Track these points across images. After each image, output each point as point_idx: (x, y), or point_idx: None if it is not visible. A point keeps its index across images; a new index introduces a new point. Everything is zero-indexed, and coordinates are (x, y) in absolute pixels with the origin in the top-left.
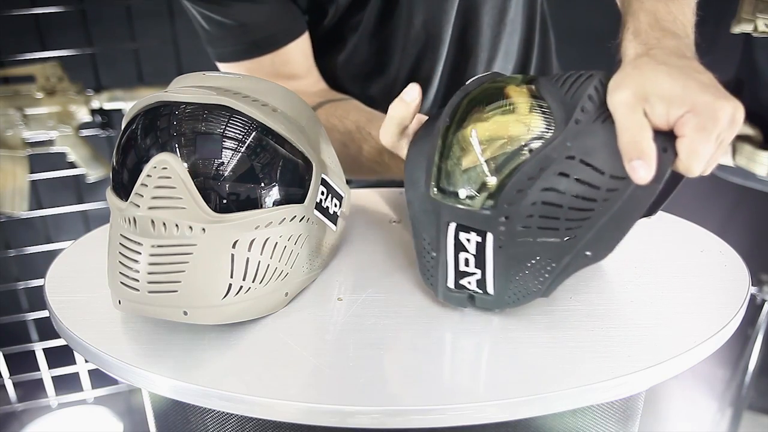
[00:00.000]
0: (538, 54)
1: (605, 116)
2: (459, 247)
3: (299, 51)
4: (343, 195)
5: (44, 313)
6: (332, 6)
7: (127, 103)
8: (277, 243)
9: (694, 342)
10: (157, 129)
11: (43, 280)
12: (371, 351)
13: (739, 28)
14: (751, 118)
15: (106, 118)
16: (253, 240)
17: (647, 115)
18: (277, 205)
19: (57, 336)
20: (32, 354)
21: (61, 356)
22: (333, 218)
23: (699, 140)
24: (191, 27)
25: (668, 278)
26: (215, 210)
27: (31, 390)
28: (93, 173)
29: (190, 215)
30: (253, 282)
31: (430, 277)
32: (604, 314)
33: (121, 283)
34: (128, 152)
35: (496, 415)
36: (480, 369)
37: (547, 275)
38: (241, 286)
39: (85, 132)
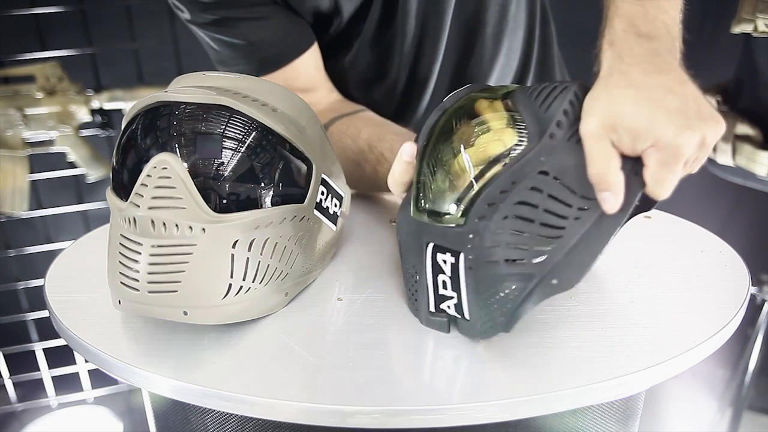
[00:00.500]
0: (539, 46)
1: (578, 136)
2: (437, 268)
3: (310, 64)
4: (343, 195)
5: (44, 313)
6: (337, 17)
7: (127, 103)
8: (277, 243)
9: (694, 342)
10: (157, 129)
11: (43, 280)
12: (371, 351)
13: (739, 28)
14: (751, 118)
15: (106, 118)
16: (253, 240)
17: (615, 144)
18: (277, 205)
19: (57, 336)
20: (32, 354)
21: (61, 356)
22: (333, 218)
23: (662, 173)
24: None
25: (668, 278)
26: (215, 210)
27: (31, 390)
28: (93, 173)
29: (190, 215)
30: (253, 282)
31: (414, 302)
32: (604, 314)
33: (121, 283)
34: (128, 152)
35: (496, 415)
36: (480, 369)
37: (510, 304)
38: (241, 286)
39: (85, 132)
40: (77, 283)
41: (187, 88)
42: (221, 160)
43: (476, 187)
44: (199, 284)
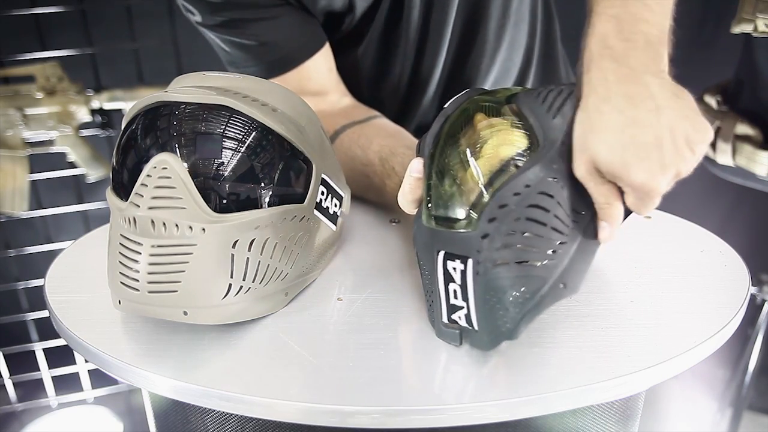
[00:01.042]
0: (542, 41)
1: None
2: (448, 277)
3: (322, 66)
4: (343, 195)
5: (44, 313)
6: (349, 15)
7: (127, 103)
8: (277, 243)
9: (694, 342)
10: (157, 129)
11: (43, 280)
12: (371, 351)
13: (739, 28)
14: (751, 118)
15: (106, 118)
16: (253, 240)
17: (596, 182)
18: (277, 205)
19: (57, 336)
20: (32, 354)
21: (61, 356)
22: (333, 218)
23: (640, 206)
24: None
25: (668, 278)
26: (215, 210)
27: (31, 390)
28: (93, 173)
29: (190, 215)
30: (253, 282)
31: (431, 314)
32: (604, 314)
33: (121, 283)
34: (128, 152)
35: (496, 415)
36: (480, 369)
37: (518, 309)
38: (241, 286)
39: (85, 132)
40: (77, 283)
41: (187, 88)
42: (221, 160)
43: (488, 191)
44: (199, 284)
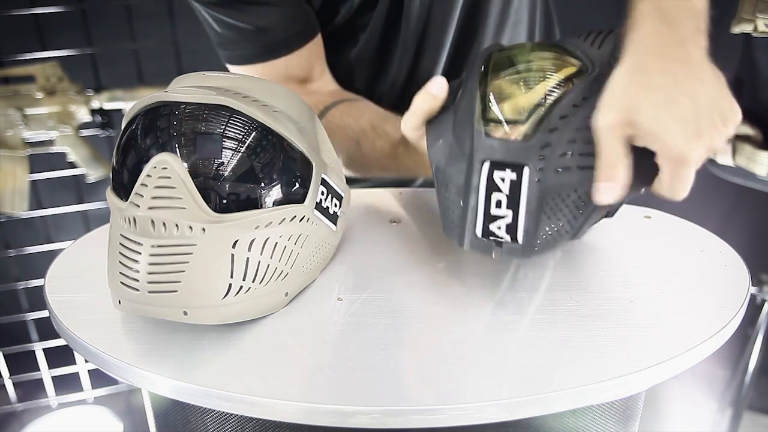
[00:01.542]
0: None
1: None
2: (492, 187)
3: (313, 53)
4: (343, 195)
5: (44, 313)
6: (345, 5)
7: (127, 103)
8: (277, 243)
9: (694, 342)
10: (157, 129)
11: (43, 280)
12: (371, 351)
13: (739, 28)
14: (751, 118)
15: (106, 118)
16: (253, 240)
17: (628, 138)
18: (277, 205)
19: (57, 336)
20: (32, 354)
21: (61, 356)
22: (333, 218)
23: (675, 182)
24: (191, 27)
25: (668, 278)
26: (215, 210)
27: (31, 390)
28: (93, 173)
29: (190, 215)
30: (253, 282)
31: (454, 229)
32: (604, 314)
33: (121, 283)
34: (128, 152)
35: (496, 415)
36: (480, 369)
37: (580, 212)
38: (241, 286)
39: (85, 132)
40: (77, 283)
41: (187, 88)
42: (221, 160)
43: (547, 102)
44: (199, 284)
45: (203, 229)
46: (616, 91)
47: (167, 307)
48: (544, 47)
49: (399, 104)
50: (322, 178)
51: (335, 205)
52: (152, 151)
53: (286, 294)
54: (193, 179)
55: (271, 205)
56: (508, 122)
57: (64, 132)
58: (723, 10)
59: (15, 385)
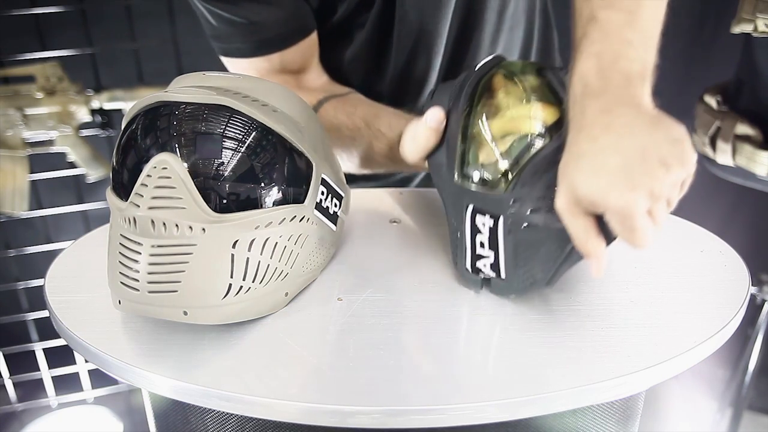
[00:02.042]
0: (538, 49)
1: None
2: (475, 229)
3: (307, 48)
4: (343, 195)
5: (44, 313)
6: (343, 4)
7: (127, 103)
8: (277, 243)
9: (694, 342)
10: (157, 129)
11: (43, 280)
12: (371, 351)
13: (739, 28)
14: (751, 118)
15: (106, 118)
16: (253, 240)
17: (585, 211)
18: (277, 205)
19: (57, 336)
20: (32, 354)
21: (61, 356)
22: (333, 218)
23: (625, 232)
24: (191, 27)
25: (668, 278)
26: (215, 210)
27: (31, 390)
28: (93, 173)
29: (190, 215)
30: (253, 282)
31: (455, 257)
32: (604, 314)
33: (121, 283)
34: (128, 152)
35: (496, 415)
36: (480, 369)
37: (551, 263)
38: (241, 286)
39: (85, 132)
40: (77, 283)
41: (187, 88)
42: (221, 160)
43: (523, 157)
44: (199, 284)
45: (203, 229)
46: (559, 173)
47: (167, 307)
48: (532, 84)
49: (395, 103)
50: (322, 178)
51: (335, 205)
52: (152, 151)
53: (286, 294)
54: (193, 179)
55: (271, 205)
56: (483, 180)
57: (64, 132)
58: (723, 10)
59: (15, 385)
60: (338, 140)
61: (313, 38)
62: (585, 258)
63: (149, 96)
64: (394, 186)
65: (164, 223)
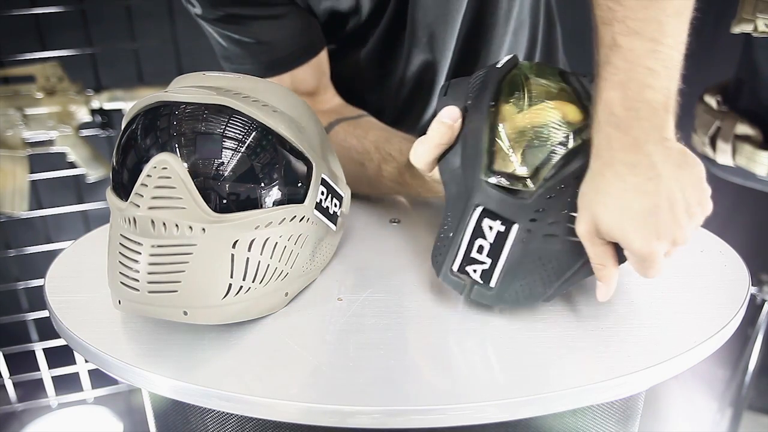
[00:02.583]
0: (542, 50)
1: None
2: (478, 232)
3: (317, 68)
4: (343, 195)
5: (44, 313)
6: (355, 17)
7: (127, 103)
8: (277, 243)
9: (694, 342)
10: (157, 129)
11: (43, 280)
12: (371, 351)
13: (739, 28)
14: (751, 118)
15: (106, 118)
16: (253, 240)
17: (600, 240)
18: (277, 205)
19: (57, 336)
20: (32, 354)
21: (61, 356)
22: (333, 218)
23: (642, 270)
24: (191, 27)
25: (668, 278)
26: (215, 210)
27: (31, 390)
28: (93, 173)
29: (190, 215)
30: (253, 282)
31: (437, 256)
32: (604, 314)
33: (121, 283)
34: (128, 152)
35: (496, 415)
36: (480, 369)
37: (555, 278)
38: (241, 286)
39: (85, 132)
40: (77, 283)
41: (187, 88)
42: (221, 160)
43: (552, 167)
44: (199, 284)
45: (203, 229)
46: (582, 199)
47: (167, 307)
48: (558, 87)
49: (402, 116)
50: (322, 178)
51: (335, 205)
52: (152, 151)
53: (286, 294)
54: (193, 179)
55: (271, 205)
56: (511, 177)
57: (64, 132)
58: (723, 10)
59: (15, 385)
60: (347, 164)
61: (323, 57)
62: (598, 279)
63: (149, 96)
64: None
65: (164, 223)
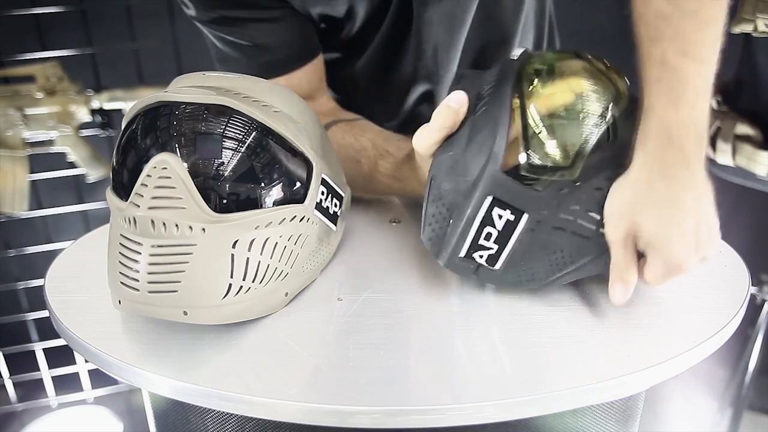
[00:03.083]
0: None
1: None
2: (488, 220)
3: (312, 72)
4: (343, 195)
5: (44, 313)
6: (348, 23)
7: (127, 103)
8: (277, 243)
9: (694, 342)
10: (157, 129)
11: (43, 280)
12: (371, 351)
13: (739, 28)
14: (751, 118)
15: (106, 118)
16: (253, 240)
17: (634, 243)
18: (277, 205)
19: (57, 336)
20: (32, 354)
21: (61, 356)
22: (333, 218)
23: (662, 279)
24: (191, 27)
25: None
26: (215, 210)
27: (31, 390)
28: (93, 173)
29: (190, 215)
30: (253, 282)
31: (435, 242)
32: (604, 314)
33: (121, 283)
34: (128, 152)
35: (496, 415)
36: (480, 369)
37: (558, 269)
38: (241, 286)
39: (85, 132)
40: (77, 283)
41: (187, 88)
42: (221, 160)
43: (566, 160)
44: (199, 284)
45: (203, 229)
46: (624, 205)
47: (167, 307)
48: (578, 62)
49: (404, 126)
50: (322, 178)
51: (335, 205)
52: (152, 151)
53: (286, 294)
54: (193, 179)
55: (271, 205)
56: (525, 172)
57: (64, 132)
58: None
59: (15, 385)
60: (343, 161)
61: (319, 62)
62: (615, 282)
63: (149, 96)
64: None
65: (164, 223)
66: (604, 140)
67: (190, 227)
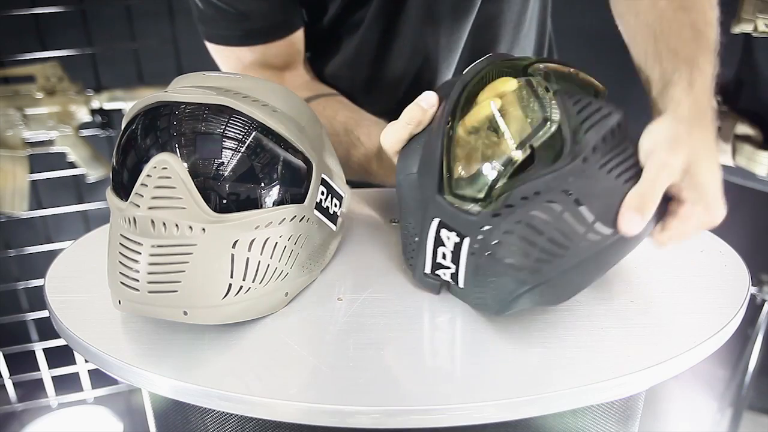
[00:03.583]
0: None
1: (617, 171)
2: (439, 241)
3: (291, 46)
4: (343, 195)
5: (44, 313)
6: (333, 3)
7: (127, 103)
8: (277, 243)
9: (694, 342)
10: (157, 129)
11: (43, 280)
12: (371, 351)
13: (739, 28)
14: (751, 118)
15: (106, 118)
16: (253, 240)
17: (674, 181)
18: (277, 205)
19: (57, 336)
20: (32, 354)
21: (61, 356)
22: (333, 218)
23: (693, 232)
24: (191, 27)
25: (668, 278)
26: (215, 210)
27: (31, 390)
28: (93, 173)
29: (190, 215)
30: (253, 282)
31: (410, 258)
32: (604, 314)
33: (121, 283)
34: (128, 152)
35: (496, 415)
36: (480, 369)
37: (504, 296)
38: (241, 286)
39: (85, 132)
40: (77, 283)
41: (187, 88)
42: (221, 160)
43: (499, 186)
44: (199, 284)
45: (203, 229)
46: (682, 135)
47: (167, 307)
48: (529, 95)
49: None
50: (322, 178)
51: (335, 205)
52: (152, 151)
53: (286, 294)
54: (193, 179)
55: (271, 205)
56: (460, 197)
57: (64, 132)
58: (723, 10)
59: (15, 385)
60: None
61: (299, 36)
62: (633, 209)
63: (149, 96)
64: (393, 186)
65: (164, 223)
66: (526, 168)
67: (190, 227)
